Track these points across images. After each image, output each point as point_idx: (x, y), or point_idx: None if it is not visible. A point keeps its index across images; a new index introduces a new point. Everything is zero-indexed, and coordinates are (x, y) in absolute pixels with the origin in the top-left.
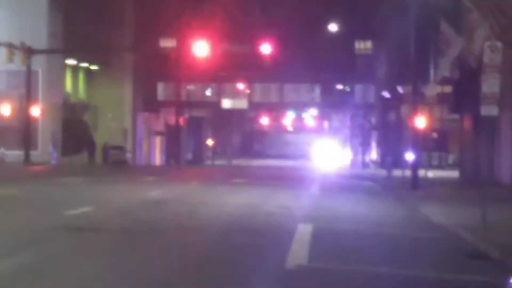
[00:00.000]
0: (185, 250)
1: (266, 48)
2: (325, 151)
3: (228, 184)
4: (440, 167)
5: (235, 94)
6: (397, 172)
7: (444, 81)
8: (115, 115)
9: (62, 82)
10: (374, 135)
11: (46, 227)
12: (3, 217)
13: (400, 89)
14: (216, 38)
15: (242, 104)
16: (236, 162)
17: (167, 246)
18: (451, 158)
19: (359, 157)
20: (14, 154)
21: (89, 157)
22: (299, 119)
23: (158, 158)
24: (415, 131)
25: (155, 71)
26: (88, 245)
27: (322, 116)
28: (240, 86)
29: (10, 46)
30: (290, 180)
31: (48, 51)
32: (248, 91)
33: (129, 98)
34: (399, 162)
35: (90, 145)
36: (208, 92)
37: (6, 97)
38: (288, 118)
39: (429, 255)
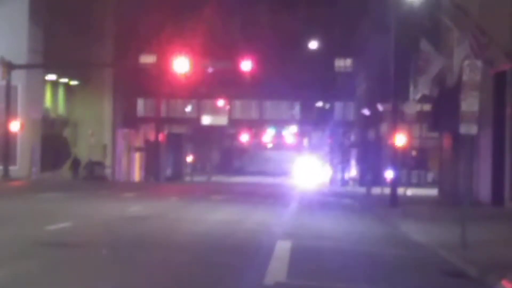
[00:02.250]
0: (163, 268)
1: (246, 65)
2: (305, 168)
3: (207, 201)
4: (419, 185)
5: (215, 111)
6: (376, 190)
7: (424, 99)
8: (95, 130)
9: (42, 97)
10: (354, 152)
11: (26, 243)
12: None
13: (379, 107)
14: (196, 55)
15: (222, 120)
16: (215, 178)
17: (146, 263)
18: (430, 176)
19: (339, 175)
20: None
21: (73, 173)
22: (278, 136)
23: (137, 174)
24: (394, 149)
25: (135, 87)
26: (67, 261)
27: (301, 133)
28: (220, 102)
29: None
30: (269, 197)
31: (28, 66)
32: (228, 107)
33: (108, 113)
34: (378, 180)
35: (74, 162)
36: (188, 109)
37: None
38: (268, 135)
39: (408, 273)
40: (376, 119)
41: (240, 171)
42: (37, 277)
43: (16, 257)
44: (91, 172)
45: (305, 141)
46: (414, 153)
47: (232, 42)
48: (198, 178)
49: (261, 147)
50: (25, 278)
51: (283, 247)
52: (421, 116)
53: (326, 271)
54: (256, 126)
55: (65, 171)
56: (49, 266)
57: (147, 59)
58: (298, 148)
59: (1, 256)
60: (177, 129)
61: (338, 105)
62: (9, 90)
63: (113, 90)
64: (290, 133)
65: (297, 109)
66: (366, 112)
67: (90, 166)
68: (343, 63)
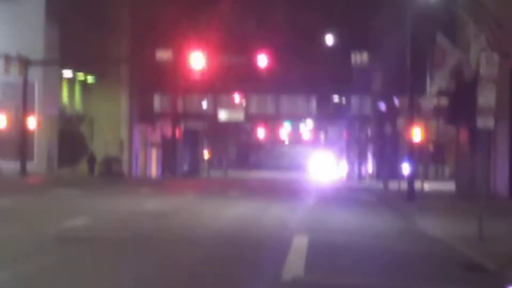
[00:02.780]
0: (180, 263)
1: (262, 60)
2: (321, 163)
3: (224, 196)
4: (436, 179)
5: (231, 106)
6: (393, 184)
7: (440, 93)
8: (111, 126)
9: (58, 93)
10: (370, 147)
11: (44, 238)
12: (0, 229)
13: (396, 101)
14: (212, 50)
15: (239, 116)
16: (232, 174)
17: (163, 259)
18: (447, 170)
19: (355, 169)
20: (10, 165)
21: (89, 170)
22: (295, 131)
23: (154, 170)
24: (411, 143)
25: (151, 83)
26: (85, 256)
27: (318, 128)
28: (237, 98)
29: (7, 57)
30: (286, 192)
31: (45, 63)
32: (244, 103)
33: (125, 109)
34: (395, 174)
35: (91, 158)
36: (204, 104)
37: (2, 108)
38: (284, 130)
39: (425, 267)
40: (392, 113)
41: (256, 166)
42: (56, 272)
43: (35, 253)
44: (108, 168)
45: (322, 136)
46: (431, 147)
47: (248, 37)
48: (215, 174)
49: (278, 142)
50: (44, 273)
51: (300, 242)
52: (437, 110)
53: (344, 265)
54: (272, 121)
55: (82, 167)
56: (68, 261)
57: (163, 54)
58: (314, 142)
59: (20, 252)
60: (194, 125)
61: (354, 100)
62: (26, 87)
63: (129, 85)
64: (306, 127)
65: (313, 103)
66: (382, 106)
67: (107, 162)
68: (359, 57)
